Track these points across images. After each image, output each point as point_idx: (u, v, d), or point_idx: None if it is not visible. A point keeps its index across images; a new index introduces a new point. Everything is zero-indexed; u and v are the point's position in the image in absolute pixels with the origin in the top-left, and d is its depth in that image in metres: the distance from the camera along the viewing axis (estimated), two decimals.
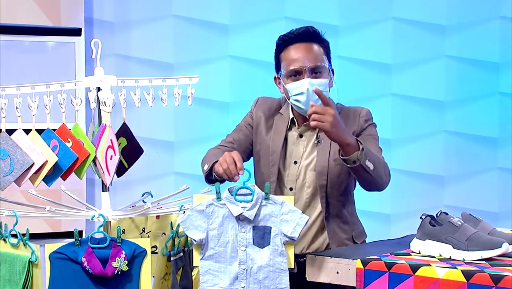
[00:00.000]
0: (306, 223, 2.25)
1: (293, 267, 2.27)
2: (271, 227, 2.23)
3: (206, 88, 4.16)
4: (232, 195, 2.23)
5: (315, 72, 2.51)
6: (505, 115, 4.39)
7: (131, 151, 2.48)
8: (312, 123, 2.31)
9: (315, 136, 2.59)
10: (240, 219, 2.23)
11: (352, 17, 4.33)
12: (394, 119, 4.34)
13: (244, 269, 2.23)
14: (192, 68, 4.20)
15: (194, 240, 2.22)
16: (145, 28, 4.28)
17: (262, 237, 2.23)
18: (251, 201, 2.22)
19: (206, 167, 2.49)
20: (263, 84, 4.08)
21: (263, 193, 2.25)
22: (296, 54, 2.53)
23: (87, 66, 4.04)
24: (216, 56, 4.30)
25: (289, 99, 2.55)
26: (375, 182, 2.43)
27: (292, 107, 2.61)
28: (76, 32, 4.08)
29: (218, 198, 2.24)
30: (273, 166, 2.57)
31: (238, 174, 2.29)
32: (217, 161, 2.37)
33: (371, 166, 2.35)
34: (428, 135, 4.40)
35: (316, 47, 2.55)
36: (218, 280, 2.23)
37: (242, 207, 2.22)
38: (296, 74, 2.52)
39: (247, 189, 2.24)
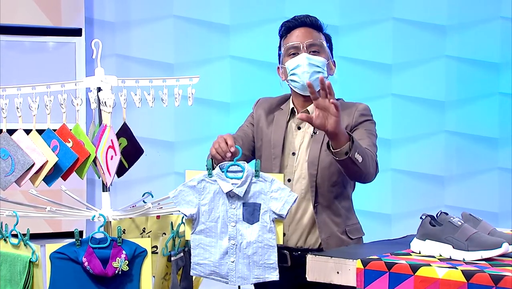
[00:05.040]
0: (295, 201, 2.25)
1: (281, 243, 2.29)
2: (260, 204, 2.25)
3: (207, 89, 4.16)
4: (223, 171, 2.25)
5: (313, 50, 2.56)
6: (505, 115, 4.38)
7: (131, 151, 2.48)
8: (315, 123, 2.25)
9: (312, 128, 2.56)
10: (230, 195, 2.25)
11: (352, 17, 4.33)
12: (394, 120, 4.34)
13: (234, 244, 2.25)
14: (193, 68, 4.20)
15: (185, 214, 2.25)
16: (146, 29, 4.28)
17: (251, 213, 2.25)
18: (241, 178, 2.24)
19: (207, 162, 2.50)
20: (263, 84, 4.09)
21: (253, 170, 2.26)
22: (295, 35, 2.60)
23: (87, 66, 4.04)
24: (217, 57, 4.30)
25: (288, 81, 2.57)
26: (362, 174, 2.40)
27: (292, 97, 2.62)
28: (76, 32, 4.08)
29: (209, 174, 2.25)
30: (275, 159, 2.58)
31: (229, 150, 2.29)
32: None
33: (359, 158, 2.32)
34: (429, 135, 4.40)
35: (316, 32, 2.62)
36: (209, 254, 2.26)
37: (232, 184, 2.24)
38: (295, 53, 2.56)
39: (238, 166, 2.25)
